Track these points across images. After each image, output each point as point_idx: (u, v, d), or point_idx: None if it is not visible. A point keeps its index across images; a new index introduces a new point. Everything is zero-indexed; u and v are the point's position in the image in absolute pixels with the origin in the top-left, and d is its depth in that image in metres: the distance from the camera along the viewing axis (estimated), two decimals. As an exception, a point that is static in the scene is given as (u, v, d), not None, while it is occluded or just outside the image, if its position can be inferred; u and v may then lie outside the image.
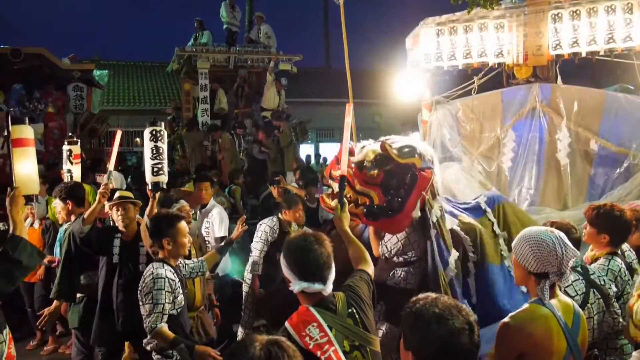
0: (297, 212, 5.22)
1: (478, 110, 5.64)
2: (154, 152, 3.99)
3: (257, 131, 12.35)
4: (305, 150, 16.63)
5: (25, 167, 3.15)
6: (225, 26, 14.11)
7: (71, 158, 4.98)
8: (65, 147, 4.99)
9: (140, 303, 3.37)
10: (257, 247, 5.03)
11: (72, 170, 5.00)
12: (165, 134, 4.08)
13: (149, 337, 3.31)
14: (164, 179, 4.02)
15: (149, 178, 4.00)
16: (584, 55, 5.10)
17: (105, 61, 21.46)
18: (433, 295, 1.82)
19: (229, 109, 13.69)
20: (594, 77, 7.82)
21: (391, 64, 6.89)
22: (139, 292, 3.39)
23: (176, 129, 14.16)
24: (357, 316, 2.25)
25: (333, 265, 2.30)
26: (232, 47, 13.81)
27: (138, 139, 20.32)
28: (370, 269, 2.60)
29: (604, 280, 3.13)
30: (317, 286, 2.20)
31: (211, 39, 13.91)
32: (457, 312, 1.72)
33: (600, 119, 5.04)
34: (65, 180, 4.99)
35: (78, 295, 4.66)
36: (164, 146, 4.04)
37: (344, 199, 2.97)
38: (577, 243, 3.11)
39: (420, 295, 1.84)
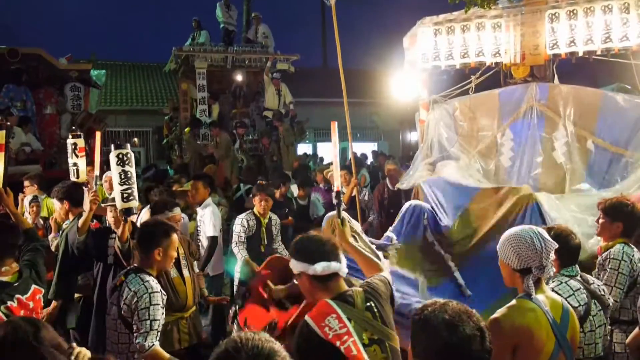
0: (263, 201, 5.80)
1: (475, 109, 5.64)
2: (122, 177, 3.81)
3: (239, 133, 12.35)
4: (303, 150, 16.62)
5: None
6: (222, 26, 14.10)
7: (76, 151, 4.97)
8: (70, 141, 4.98)
9: (131, 319, 3.17)
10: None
11: (77, 164, 5.00)
12: (132, 156, 3.92)
13: (138, 355, 3.14)
14: (134, 204, 3.87)
15: (119, 204, 3.86)
16: (581, 54, 5.10)
17: (102, 61, 21.41)
18: (441, 300, 1.79)
19: (226, 109, 13.68)
20: (591, 77, 7.83)
21: (388, 64, 6.88)
22: (125, 306, 3.17)
23: (174, 130, 14.14)
24: (375, 310, 2.27)
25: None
26: (230, 47, 13.80)
27: (136, 139, 20.30)
28: (386, 272, 2.63)
29: (603, 290, 3.16)
30: (334, 265, 2.28)
31: (209, 39, 13.89)
32: (467, 318, 1.68)
33: (597, 118, 5.05)
34: (72, 173, 5.00)
35: (75, 295, 4.67)
36: (132, 170, 3.87)
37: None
38: (577, 249, 3.13)
39: (428, 302, 1.81)
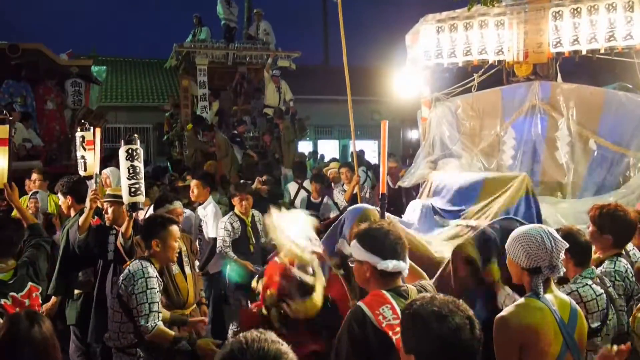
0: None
1: (478, 107, 5.63)
2: (131, 171, 3.85)
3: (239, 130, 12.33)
4: (304, 147, 16.61)
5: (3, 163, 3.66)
6: (223, 22, 14.06)
7: (84, 144, 4.98)
8: (78, 134, 5.01)
9: (127, 299, 3.28)
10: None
11: (85, 157, 5.00)
12: (141, 151, 3.97)
13: (146, 336, 3.25)
14: (141, 199, 3.92)
15: (126, 198, 3.90)
16: (584, 53, 5.09)
17: (103, 57, 21.37)
18: (428, 295, 1.83)
19: (227, 106, 13.66)
20: (594, 76, 7.81)
21: (391, 61, 6.85)
22: (123, 285, 3.28)
23: (174, 126, 14.11)
24: None
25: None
26: (231, 44, 13.77)
27: (136, 135, 20.24)
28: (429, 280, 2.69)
29: (614, 294, 3.05)
30: (402, 265, 2.31)
31: (209, 35, 13.86)
32: (455, 308, 1.71)
33: (599, 117, 5.04)
34: (80, 166, 5.00)
35: (76, 291, 4.67)
36: (140, 165, 3.93)
37: None
38: (588, 246, 3.05)
39: (418, 297, 1.84)
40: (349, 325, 2.18)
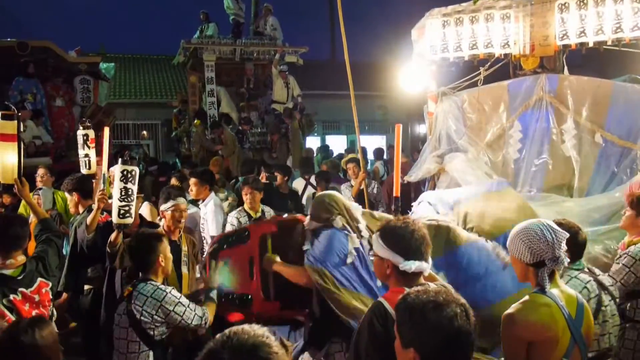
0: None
1: (484, 101, 5.60)
2: (123, 193, 3.81)
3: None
4: (312, 143, 16.62)
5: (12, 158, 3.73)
6: (232, 17, 14.04)
7: (88, 142, 5.00)
8: (81, 132, 5.00)
9: (171, 322, 3.20)
10: None
11: (89, 155, 5.03)
12: (136, 173, 3.92)
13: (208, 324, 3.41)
14: (129, 221, 3.89)
15: (115, 219, 3.87)
16: (591, 45, 5.03)
17: (111, 54, 21.49)
18: (420, 287, 1.84)
19: (235, 101, 13.67)
20: (601, 68, 7.76)
21: (397, 56, 6.84)
22: (146, 313, 3.11)
23: (182, 122, 14.17)
24: None
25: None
26: (238, 40, 13.77)
27: (145, 132, 20.40)
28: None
29: (608, 282, 3.11)
30: (424, 265, 2.31)
31: (217, 31, 13.86)
32: (449, 296, 1.73)
33: (607, 110, 4.99)
34: (83, 164, 5.03)
35: (86, 287, 4.72)
36: (133, 187, 3.88)
37: None
38: (584, 244, 3.12)
39: (410, 290, 1.85)
40: (370, 321, 2.18)
